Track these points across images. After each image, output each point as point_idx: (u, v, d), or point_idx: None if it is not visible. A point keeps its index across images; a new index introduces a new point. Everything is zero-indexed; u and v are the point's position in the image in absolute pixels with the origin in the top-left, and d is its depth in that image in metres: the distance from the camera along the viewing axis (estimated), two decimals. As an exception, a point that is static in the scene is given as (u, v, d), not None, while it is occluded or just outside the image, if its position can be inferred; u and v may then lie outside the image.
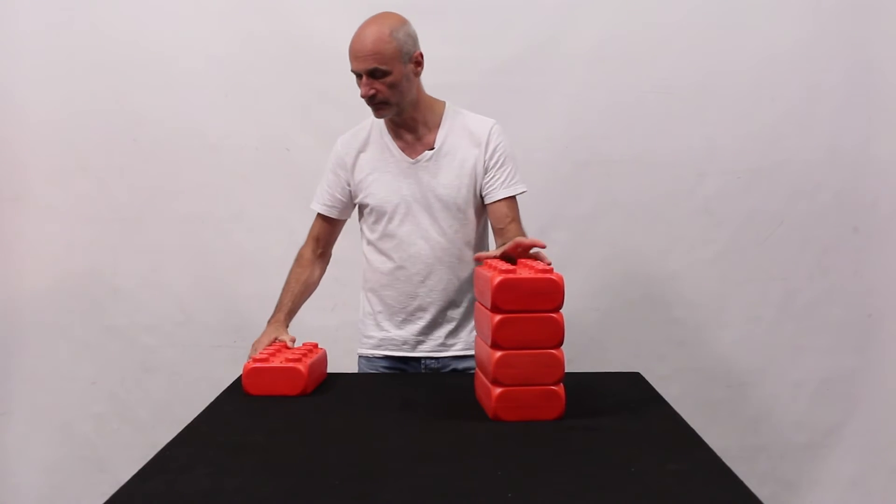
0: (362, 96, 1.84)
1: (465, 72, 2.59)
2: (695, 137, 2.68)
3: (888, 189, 2.69)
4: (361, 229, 2.04)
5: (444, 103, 1.98)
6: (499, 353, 1.43)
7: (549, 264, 1.54)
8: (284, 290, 2.01)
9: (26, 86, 2.67)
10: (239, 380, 1.71)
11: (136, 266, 2.71)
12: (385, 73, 1.81)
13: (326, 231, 2.06)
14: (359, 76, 1.84)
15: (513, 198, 1.95)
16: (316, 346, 1.85)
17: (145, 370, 2.73)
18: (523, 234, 1.86)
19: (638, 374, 1.88)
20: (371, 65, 1.80)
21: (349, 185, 1.98)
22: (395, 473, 1.19)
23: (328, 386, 1.75)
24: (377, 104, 1.85)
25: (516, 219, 1.94)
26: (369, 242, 2.00)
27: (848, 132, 2.67)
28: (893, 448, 2.72)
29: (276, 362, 1.67)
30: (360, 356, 2.06)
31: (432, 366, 1.99)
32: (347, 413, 1.55)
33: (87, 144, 2.69)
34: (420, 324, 1.96)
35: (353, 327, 2.60)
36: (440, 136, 1.93)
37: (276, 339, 1.86)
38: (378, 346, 2.00)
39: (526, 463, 1.24)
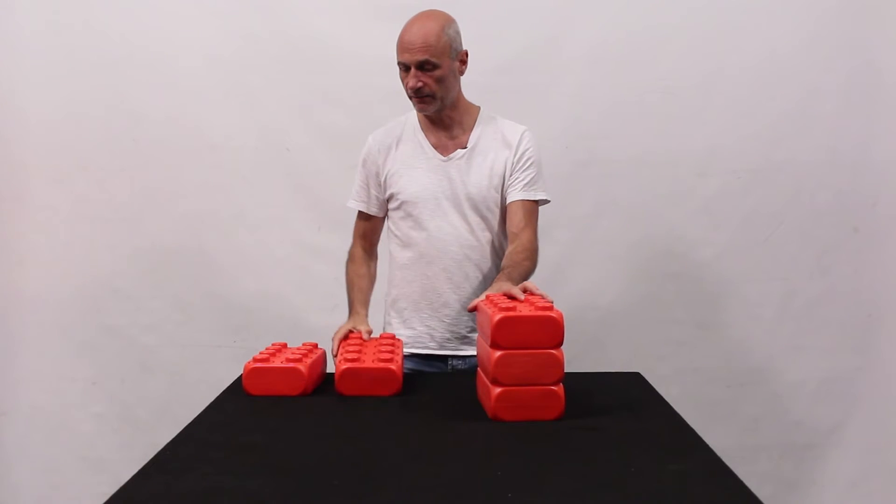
0: (410, 88, 1.87)
1: (467, 72, 2.59)
2: (695, 137, 2.68)
3: (888, 189, 2.69)
4: (388, 227, 2.06)
5: (479, 108, 2.02)
6: (498, 353, 1.43)
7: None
8: (351, 287, 2.05)
9: (26, 86, 2.67)
10: (239, 380, 1.71)
11: (136, 266, 2.72)
12: (434, 67, 1.86)
13: (370, 228, 2.08)
14: (406, 68, 1.87)
15: (533, 204, 1.95)
16: (316, 346, 1.85)
17: (145, 370, 2.73)
18: (533, 243, 1.90)
19: (638, 374, 1.88)
20: (422, 56, 1.84)
21: (380, 179, 2.00)
22: (395, 473, 1.19)
23: (328, 386, 1.75)
24: (423, 97, 1.88)
25: (530, 225, 1.93)
26: (396, 238, 2.01)
27: (848, 132, 2.67)
28: (893, 448, 2.72)
29: (277, 362, 1.66)
30: None
31: (459, 367, 1.98)
32: (347, 413, 1.55)
33: (87, 144, 2.69)
34: (446, 321, 1.97)
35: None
36: (473, 137, 1.97)
37: (352, 329, 1.90)
38: (405, 345, 1.98)
39: (526, 463, 1.24)
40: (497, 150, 1.96)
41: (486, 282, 1.96)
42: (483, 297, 1.63)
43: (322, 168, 2.70)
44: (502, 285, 1.66)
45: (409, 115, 2.02)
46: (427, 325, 1.98)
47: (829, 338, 2.71)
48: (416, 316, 1.99)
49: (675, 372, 2.67)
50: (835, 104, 2.66)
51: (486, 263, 1.97)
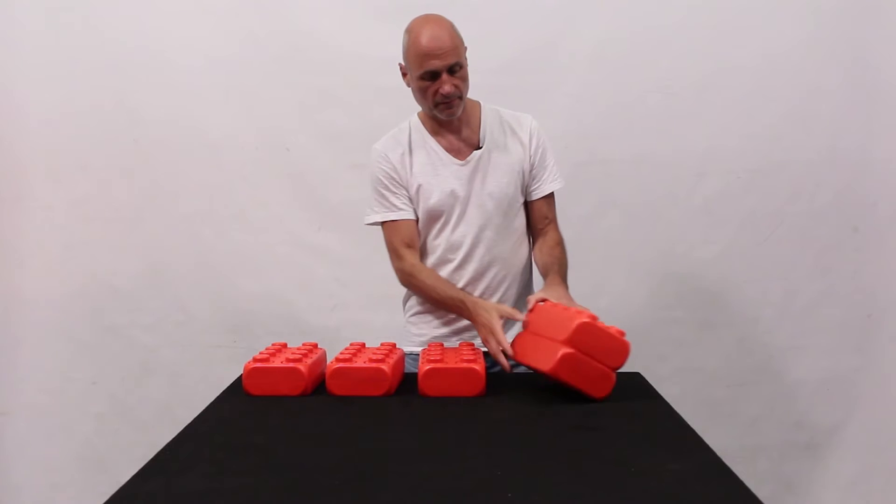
0: (444, 94, 1.81)
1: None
2: (695, 137, 2.68)
3: (888, 189, 2.69)
4: None
5: (478, 102, 1.98)
6: (585, 320, 1.53)
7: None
8: (447, 285, 1.89)
9: (26, 86, 2.68)
10: (239, 380, 1.71)
11: (136, 266, 2.72)
12: (461, 68, 1.83)
13: (413, 233, 1.93)
14: (434, 77, 1.81)
15: (552, 195, 2.00)
16: (316, 346, 1.85)
17: (145, 370, 2.73)
18: (560, 234, 2.00)
19: (638, 374, 1.88)
20: (453, 59, 1.79)
21: (405, 186, 1.92)
22: (395, 473, 1.19)
23: (328, 386, 1.75)
24: (454, 100, 1.83)
25: (554, 219, 2.01)
26: (421, 246, 1.96)
27: (848, 132, 2.67)
28: (893, 448, 2.72)
29: (277, 362, 1.66)
30: (408, 355, 1.98)
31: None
32: (347, 413, 1.55)
33: (87, 144, 2.69)
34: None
35: (352, 326, 2.62)
36: (483, 135, 1.94)
37: (502, 315, 1.77)
38: (425, 346, 1.96)
39: (526, 463, 1.24)
40: (511, 147, 1.95)
41: (513, 279, 1.97)
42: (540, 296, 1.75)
43: (322, 168, 2.70)
44: (555, 291, 1.80)
45: (411, 121, 1.97)
46: (455, 325, 1.95)
47: (829, 338, 2.72)
48: (442, 319, 1.96)
49: (675, 372, 2.67)
50: (835, 104, 2.66)
51: (512, 263, 1.97)
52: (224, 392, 1.70)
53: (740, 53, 2.65)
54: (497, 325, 1.74)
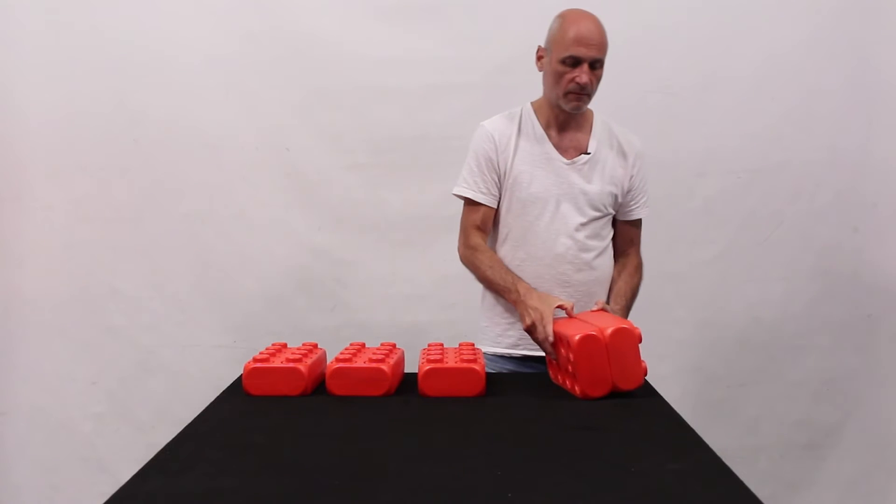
0: (579, 82, 1.82)
1: (467, 72, 2.60)
2: (695, 137, 2.68)
3: (888, 189, 2.69)
4: (500, 225, 1.96)
5: (592, 110, 1.99)
6: (632, 329, 1.64)
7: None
8: (504, 268, 1.88)
9: (26, 86, 2.68)
10: (239, 380, 1.71)
11: (136, 266, 2.72)
12: (601, 66, 1.85)
13: (487, 219, 1.94)
14: (575, 63, 1.82)
15: (640, 220, 2.03)
16: (316, 346, 1.85)
17: (145, 370, 2.73)
18: (640, 258, 2.06)
19: (638, 374, 1.88)
20: (598, 54, 1.83)
21: (501, 172, 1.92)
22: (395, 473, 1.19)
23: (328, 386, 1.75)
24: (584, 95, 1.85)
25: (638, 244, 2.05)
26: (509, 238, 1.94)
27: (848, 132, 2.67)
28: (893, 448, 2.72)
29: (277, 362, 1.66)
30: (489, 355, 1.95)
31: None
32: (347, 413, 1.55)
33: (87, 144, 2.69)
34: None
35: (352, 326, 2.62)
36: (593, 143, 1.95)
37: (560, 306, 1.76)
38: (516, 346, 1.95)
39: (526, 463, 1.23)
40: (616, 161, 1.96)
41: (597, 286, 1.96)
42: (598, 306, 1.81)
43: (322, 168, 2.70)
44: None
45: (524, 110, 1.96)
46: None
47: (829, 338, 2.72)
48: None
49: (675, 372, 2.67)
50: (835, 104, 2.66)
51: (601, 269, 1.96)
52: (224, 392, 1.70)
53: (740, 54, 2.65)
54: (549, 314, 1.72)
